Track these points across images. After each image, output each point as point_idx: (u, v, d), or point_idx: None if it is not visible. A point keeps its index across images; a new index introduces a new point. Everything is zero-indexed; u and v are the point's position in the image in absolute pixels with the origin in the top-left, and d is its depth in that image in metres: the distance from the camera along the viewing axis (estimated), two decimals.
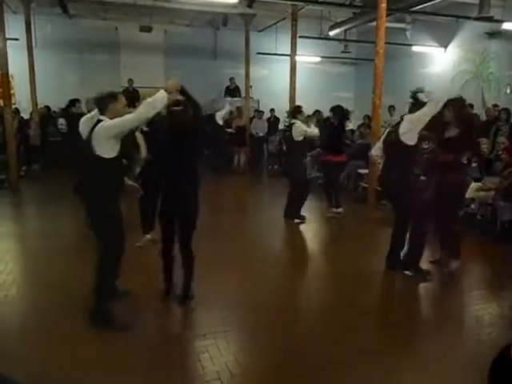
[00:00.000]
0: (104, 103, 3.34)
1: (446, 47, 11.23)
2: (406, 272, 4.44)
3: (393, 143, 4.34)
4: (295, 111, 6.71)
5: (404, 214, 4.45)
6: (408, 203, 4.32)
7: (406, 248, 4.56)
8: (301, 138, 6.37)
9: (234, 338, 3.31)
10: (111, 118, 3.26)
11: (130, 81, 11.83)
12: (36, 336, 3.27)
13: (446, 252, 4.60)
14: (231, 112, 10.98)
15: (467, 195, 5.98)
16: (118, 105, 3.35)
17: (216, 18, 12.25)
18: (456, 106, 4.32)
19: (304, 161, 6.59)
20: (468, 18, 9.20)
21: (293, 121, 6.60)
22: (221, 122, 9.70)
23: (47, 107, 11.19)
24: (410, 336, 3.43)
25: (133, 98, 11.54)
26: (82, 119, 4.36)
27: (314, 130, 6.53)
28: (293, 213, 6.56)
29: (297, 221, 6.49)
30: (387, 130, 4.69)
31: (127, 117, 3.21)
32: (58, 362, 2.91)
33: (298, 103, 10.37)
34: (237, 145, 11.66)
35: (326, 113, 11.35)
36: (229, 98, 12.77)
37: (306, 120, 6.68)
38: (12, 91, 9.80)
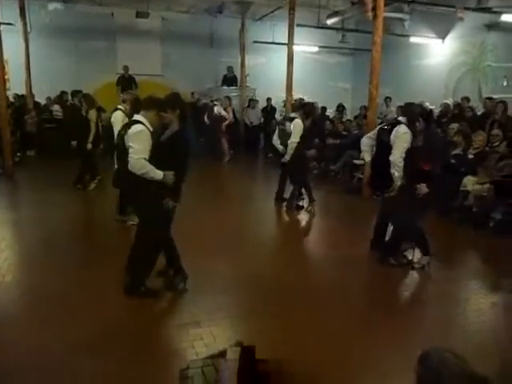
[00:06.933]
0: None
1: (443, 38, 11.18)
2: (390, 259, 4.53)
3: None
4: (299, 107, 6.60)
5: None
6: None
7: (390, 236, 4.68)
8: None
9: (229, 326, 3.35)
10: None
11: (126, 67, 11.73)
12: (30, 322, 3.29)
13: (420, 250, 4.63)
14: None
15: (463, 188, 6.05)
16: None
17: (213, 5, 12.12)
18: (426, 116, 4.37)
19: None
20: (467, 8, 9.17)
21: (293, 115, 6.54)
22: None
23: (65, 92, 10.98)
24: (396, 319, 3.48)
25: (129, 84, 11.50)
26: None
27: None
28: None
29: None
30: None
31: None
32: (48, 348, 2.93)
33: (294, 93, 10.39)
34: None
35: (323, 103, 11.43)
36: (225, 87, 12.72)
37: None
38: (6, 76, 9.68)
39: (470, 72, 10.49)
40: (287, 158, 6.41)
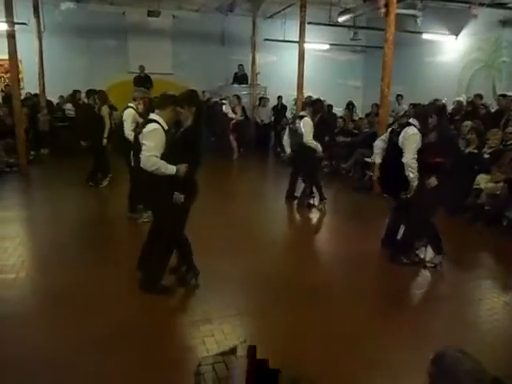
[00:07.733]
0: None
1: (457, 35, 11.04)
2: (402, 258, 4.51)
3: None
4: (309, 104, 6.55)
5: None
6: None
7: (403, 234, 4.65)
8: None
9: (239, 323, 3.35)
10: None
11: (142, 67, 11.80)
12: (41, 319, 3.34)
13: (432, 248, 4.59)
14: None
15: (476, 186, 5.99)
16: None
17: (224, 3, 12.13)
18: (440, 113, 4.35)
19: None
20: (481, 4, 9.04)
21: (302, 113, 6.50)
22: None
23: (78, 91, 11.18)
24: (407, 318, 3.46)
25: (145, 84, 11.59)
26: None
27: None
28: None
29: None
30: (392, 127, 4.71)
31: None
32: (58, 347, 2.96)
33: (305, 91, 10.35)
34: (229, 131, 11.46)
35: (333, 102, 11.37)
36: (236, 85, 12.73)
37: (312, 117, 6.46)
38: (20, 76, 9.81)
39: (484, 69, 10.34)
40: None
